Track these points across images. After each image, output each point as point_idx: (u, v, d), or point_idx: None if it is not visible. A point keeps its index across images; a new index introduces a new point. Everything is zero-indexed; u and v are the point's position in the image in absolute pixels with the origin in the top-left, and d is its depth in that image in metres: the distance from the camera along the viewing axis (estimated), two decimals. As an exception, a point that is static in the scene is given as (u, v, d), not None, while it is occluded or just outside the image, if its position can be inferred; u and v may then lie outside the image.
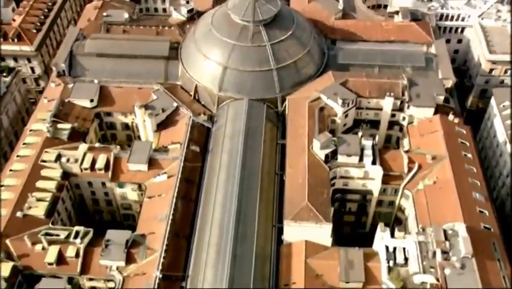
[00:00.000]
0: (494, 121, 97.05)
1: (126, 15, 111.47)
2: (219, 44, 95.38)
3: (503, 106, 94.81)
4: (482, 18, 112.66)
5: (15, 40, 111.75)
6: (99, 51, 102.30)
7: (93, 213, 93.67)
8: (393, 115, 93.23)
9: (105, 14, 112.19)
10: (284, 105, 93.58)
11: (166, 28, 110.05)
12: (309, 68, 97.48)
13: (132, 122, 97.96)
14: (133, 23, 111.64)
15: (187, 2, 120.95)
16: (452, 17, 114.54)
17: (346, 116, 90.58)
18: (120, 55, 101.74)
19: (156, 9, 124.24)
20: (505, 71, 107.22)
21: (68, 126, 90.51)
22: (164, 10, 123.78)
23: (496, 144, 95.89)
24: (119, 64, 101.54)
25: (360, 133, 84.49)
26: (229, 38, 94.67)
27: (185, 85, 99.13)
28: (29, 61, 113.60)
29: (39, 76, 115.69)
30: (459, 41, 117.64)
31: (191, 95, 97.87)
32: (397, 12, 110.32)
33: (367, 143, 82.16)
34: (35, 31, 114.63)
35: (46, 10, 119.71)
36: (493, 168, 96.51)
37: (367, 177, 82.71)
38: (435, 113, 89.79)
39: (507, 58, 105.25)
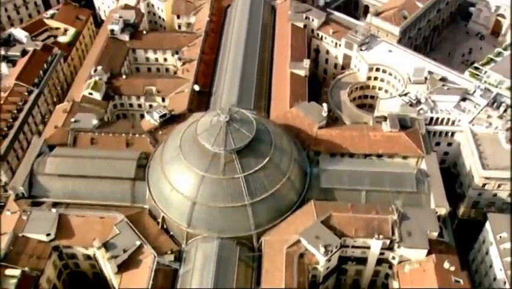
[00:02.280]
0: (490, 251, 79.44)
1: (95, 122, 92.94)
2: (187, 174, 76.97)
3: (500, 237, 76.78)
4: (473, 125, 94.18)
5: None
6: (60, 171, 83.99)
7: None
8: (381, 253, 74.87)
9: (72, 119, 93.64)
10: (260, 241, 74.84)
11: (137, 136, 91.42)
12: (289, 196, 79.12)
13: (94, 254, 78.81)
14: (102, 129, 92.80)
15: (163, 100, 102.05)
16: (442, 120, 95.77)
17: (329, 260, 71.76)
18: (84, 176, 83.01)
19: (131, 105, 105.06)
20: (499, 186, 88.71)
21: (17, 272, 71.41)
22: (140, 106, 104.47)
23: (493, 278, 77.55)
24: (82, 185, 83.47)
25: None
26: (198, 167, 76.28)
27: (153, 209, 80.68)
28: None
29: (6, 183, 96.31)
30: (449, 144, 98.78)
31: (159, 223, 78.97)
32: (384, 118, 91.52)
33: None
34: (1, 138, 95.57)
35: (15, 111, 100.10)
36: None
37: None
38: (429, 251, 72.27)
39: (501, 174, 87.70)
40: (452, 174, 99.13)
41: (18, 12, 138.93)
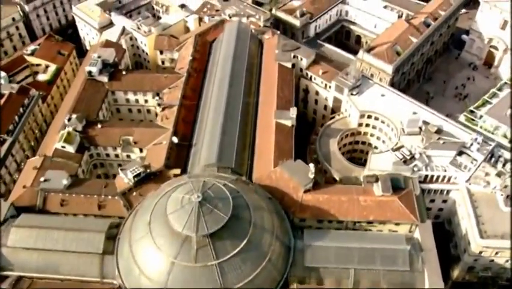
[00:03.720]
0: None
1: (65, 182, 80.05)
2: (156, 258, 64.76)
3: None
4: (470, 184, 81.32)
5: None
6: (24, 244, 71.83)
7: None
8: None
9: (42, 178, 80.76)
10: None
11: (109, 198, 78.87)
12: (271, 278, 66.42)
13: None
14: (73, 189, 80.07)
15: (140, 151, 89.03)
16: (438, 178, 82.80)
17: None
18: (49, 249, 70.71)
19: (108, 155, 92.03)
20: (497, 253, 76.33)
21: None
22: (117, 156, 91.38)
23: None
24: (49, 258, 71.34)
25: None
26: (168, 252, 64.14)
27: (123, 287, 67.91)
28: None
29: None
30: (445, 200, 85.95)
31: (129, 305, 66.88)
32: (376, 179, 78.47)
33: None
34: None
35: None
36: None
37: None
38: None
39: (499, 243, 75.66)
40: (447, 231, 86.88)
41: (2, 45, 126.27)
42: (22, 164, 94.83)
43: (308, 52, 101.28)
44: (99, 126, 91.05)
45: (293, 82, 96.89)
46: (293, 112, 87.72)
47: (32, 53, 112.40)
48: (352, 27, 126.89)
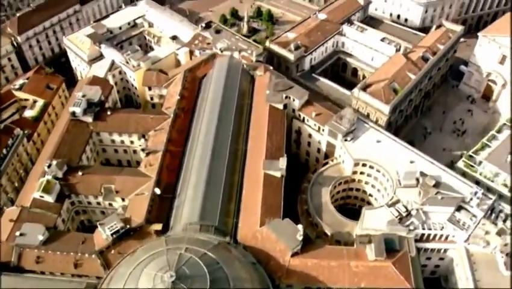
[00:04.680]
0: None
1: (41, 237, 72.35)
2: None
3: None
4: (469, 243, 72.65)
5: None
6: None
7: None
8: None
9: (17, 233, 72.84)
10: None
11: (86, 256, 70.87)
12: None
13: None
14: (50, 244, 72.23)
15: (122, 200, 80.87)
16: (435, 236, 74.12)
17: None
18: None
19: (89, 203, 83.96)
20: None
21: None
22: (99, 203, 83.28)
23: None
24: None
25: None
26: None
27: None
28: None
29: None
30: (442, 258, 77.24)
31: None
32: (369, 240, 69.86)
33: None
34: None
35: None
36: None
37: None
38: None
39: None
40: (444, 289, 78.52)
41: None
42: (5, 207, 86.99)
43: (301, 93, 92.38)
44: (80, 173, 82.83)
45: (284, 126, 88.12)
46: (283, 163, 78.99)
47: (21, 88, 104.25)
48: (348, 59, 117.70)
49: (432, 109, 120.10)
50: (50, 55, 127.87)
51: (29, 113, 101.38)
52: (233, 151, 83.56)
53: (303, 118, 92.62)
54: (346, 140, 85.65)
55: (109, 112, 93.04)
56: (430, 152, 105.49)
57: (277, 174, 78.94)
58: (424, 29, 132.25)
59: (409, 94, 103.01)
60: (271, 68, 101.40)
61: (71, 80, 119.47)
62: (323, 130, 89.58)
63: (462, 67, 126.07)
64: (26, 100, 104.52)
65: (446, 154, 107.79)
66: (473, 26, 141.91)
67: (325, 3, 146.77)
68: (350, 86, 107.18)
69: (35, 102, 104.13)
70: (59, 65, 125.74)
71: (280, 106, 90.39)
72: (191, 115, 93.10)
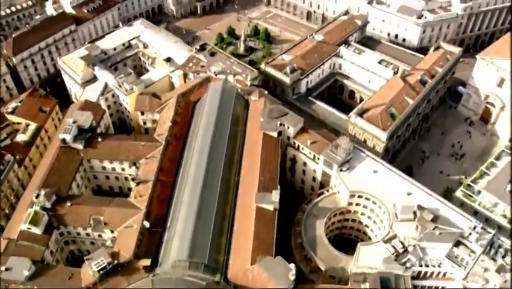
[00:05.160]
0: None
1: (26, 273, 69.39)
2: None
3: None
4: (467, 281, 68.81)
5: None
6: None
7: None
8: None
9: (3, 268, 69.80)
10: None
11: (74, 292, 67.34)
12: None
13: None
14: (36, 279, 69.19)
15: (111, 231, 77.21)
16: (432, 274, 70.20)
17: None
18: None
19: (78, 233, 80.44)
20: None
21: None
22: (88, 234, 79.72)
23: None
24: None
25: None
26: None
27: None
28: None
29: None
30: (440, 295, 73.63)
31: None
32: (364, 279, 66.18)
33: None
34: None
35: None
36: None
37: None
38: None
39: None
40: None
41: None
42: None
43: (296, 120, 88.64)
44: (69, 203, 79.28)
45: (278, 156, 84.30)
46: (276, 196, 75.14)
47: (13, 111, 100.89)
48: (345, 81, 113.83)
49: (431, 131, 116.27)
50: (45, 75, 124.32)
51: (21, 137, 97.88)
52: (225, 181, 79.81)
53: (298, 146, 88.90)
54: (341, 170, 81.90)
55: (100, 139, 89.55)
56: (428, 176, 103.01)
57: (270, 207, 75.09)
58: (422, 49, 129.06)
59: (407, 119, 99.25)
60: (266, 92, 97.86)
61: (66, 101, 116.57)
62: (318, 158, 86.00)
63: (461, 88, 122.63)
64: (18, 123, 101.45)
65: (444, 178, 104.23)
66: (471, 46, 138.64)
67: (323, 22, 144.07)
68: (347, 109, 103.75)
69: (27, 125, 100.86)
70: (54, 85, 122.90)
71: (275, 134, 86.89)
72: (184, 142, 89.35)
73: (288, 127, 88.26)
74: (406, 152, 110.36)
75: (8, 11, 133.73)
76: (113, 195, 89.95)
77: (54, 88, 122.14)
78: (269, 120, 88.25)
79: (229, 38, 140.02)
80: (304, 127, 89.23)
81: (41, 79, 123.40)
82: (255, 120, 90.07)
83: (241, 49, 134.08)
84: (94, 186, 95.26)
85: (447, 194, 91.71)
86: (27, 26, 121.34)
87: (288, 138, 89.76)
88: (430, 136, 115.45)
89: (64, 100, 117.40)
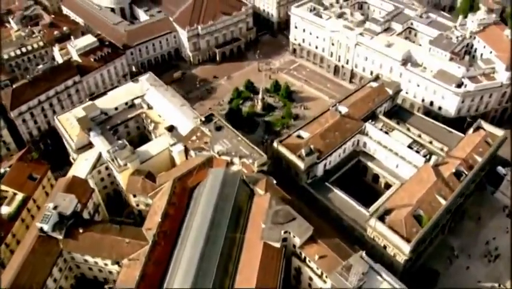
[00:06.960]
0: None
1: None
2: None
3: None
4: None
5: None
6: None
7: None
8: None
9: None
10: None
11: None
12: None
13: None
14: None
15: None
16: None
17: None
18: None
19: None
20: None
21: None
22: None
23: None
24: None
25: None
26: None
27: None
28: None
29: None
30: None
31: None
32: None
33: None
34: None
35: None
36: None
37: None
38: None
39: None
40: None
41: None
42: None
43: (304, 228, 73.48)
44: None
45: (279, 274, 69.64)
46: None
47: (0, 178, 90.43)
48: (369, 163, 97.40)
49: (462, 223, 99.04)
50: (46, 128, 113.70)
51: (5, 209, 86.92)
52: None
53: (304, 257, 74.33)
54: (353, 296, 67.16)
55: (81, 230, 77.20)
56: (455, 280, 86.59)
57: None
58: (459, 119, 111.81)
59: (437, 222, 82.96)
60: (274, 182, 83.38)
61: (67, 156, 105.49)
62: (326, 277, 71.15)
63: (500, 169, 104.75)
64: (6, 191, 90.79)
65: (474, 284, 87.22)
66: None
67: (351, 78, 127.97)
68: (369, 192, 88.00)
69: (15, 194, 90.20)
70: (55, 138, 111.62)
71: (278, 245, 72.40)
72: (175, 240, 76.25)
73: (294, 236, 73.84)
74: (433, 249, 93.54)
75: (18, 52, 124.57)
76: (98, 285, 79.10)
77: (55, 142, 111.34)
78: (272, 226, 73.72)
79: (247, 93, 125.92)
80: (313, 235, 74.44)
81: (41, 132, 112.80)
82: (257, 223, 75.40)
83: (259, 107, 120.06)
84: (77, 274, 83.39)
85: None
86: (28, 76, 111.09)
87: (294, 246, 75.29)
88: (461, 228, 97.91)
89: (65, 155, 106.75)
